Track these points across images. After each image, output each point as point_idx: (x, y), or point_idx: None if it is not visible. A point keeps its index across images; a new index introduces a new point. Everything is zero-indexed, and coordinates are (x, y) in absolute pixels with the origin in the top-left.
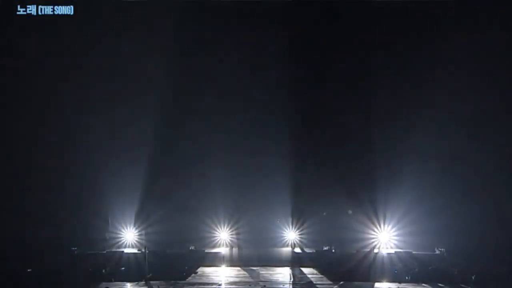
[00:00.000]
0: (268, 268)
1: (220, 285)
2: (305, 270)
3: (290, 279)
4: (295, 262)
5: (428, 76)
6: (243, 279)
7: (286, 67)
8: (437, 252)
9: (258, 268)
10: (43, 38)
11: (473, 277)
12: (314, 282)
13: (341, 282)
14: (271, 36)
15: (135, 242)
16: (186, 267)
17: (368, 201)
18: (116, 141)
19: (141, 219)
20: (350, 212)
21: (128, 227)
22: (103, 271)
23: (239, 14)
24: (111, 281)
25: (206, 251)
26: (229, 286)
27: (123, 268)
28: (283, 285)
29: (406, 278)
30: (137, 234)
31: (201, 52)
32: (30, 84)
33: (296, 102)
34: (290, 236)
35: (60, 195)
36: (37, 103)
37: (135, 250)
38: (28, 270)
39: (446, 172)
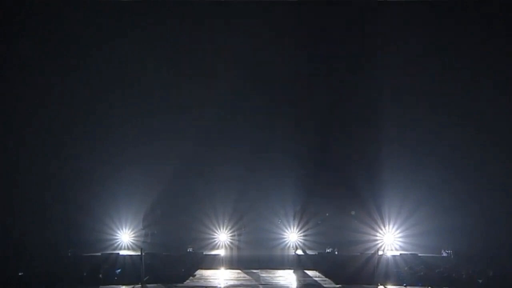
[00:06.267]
0: (269, 270)
1: None
2: (308, 272)
3: (293, 282)
4: (297, 264)
5: (432, 75)
6: (243, 282)
7: (291, 64)
8: (444, 255)
9: (258, 270)
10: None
11: (480, 281)
12: (317, 285)
13: (344, 285)
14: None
15: (131, 243)
16: (183, 270)
17: (372, 202)
18: (115, 141)
19: (137, 220)
20: (353, 213)
21: (124, 229)
22: (98, 273)
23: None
24: (106, 284)
25: (204, 253)
26: None
27: (118, 271)
28: None
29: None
30: (137, 235)
31: (200, 52)
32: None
33: (299, 101)
34: (292, 237)
35: (57, 195)
36: (33, 103)
37: (131, 252)
38: (20, 273)
39: (452, 172)
